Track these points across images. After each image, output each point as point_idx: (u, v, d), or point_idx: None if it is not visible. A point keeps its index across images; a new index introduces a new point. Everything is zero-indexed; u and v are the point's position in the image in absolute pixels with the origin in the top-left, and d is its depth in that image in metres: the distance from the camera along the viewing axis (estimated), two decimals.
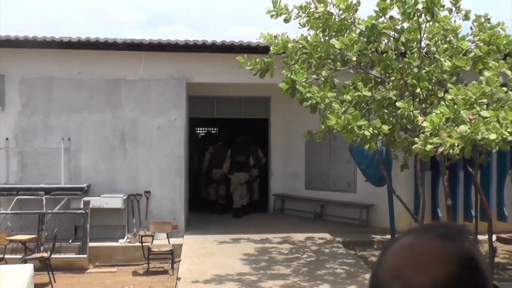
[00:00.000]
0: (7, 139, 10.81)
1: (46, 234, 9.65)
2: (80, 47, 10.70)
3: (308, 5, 8.03)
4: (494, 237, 9.11)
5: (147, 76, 11.08)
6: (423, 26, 8.00)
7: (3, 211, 10.21)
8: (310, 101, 7.62)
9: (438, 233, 0.97)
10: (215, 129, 20.47)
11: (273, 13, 8.10)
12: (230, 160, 14.02)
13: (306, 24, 8.23)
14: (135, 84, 11.08)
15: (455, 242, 0.96)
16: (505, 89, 6.71)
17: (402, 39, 7.63)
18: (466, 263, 0.93)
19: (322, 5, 7.89)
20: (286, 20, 8.17)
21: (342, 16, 7.96)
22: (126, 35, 10.48)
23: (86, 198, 10.32)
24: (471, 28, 8.62)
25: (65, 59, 10.90)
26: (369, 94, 7.84)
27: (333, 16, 8.05)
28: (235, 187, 13.93)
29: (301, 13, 8.10)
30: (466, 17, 8.43)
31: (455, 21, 8.30)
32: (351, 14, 7.94)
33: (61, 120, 10.96)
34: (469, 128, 5.79)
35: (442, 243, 0.95)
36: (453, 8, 8.32)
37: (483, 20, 8.53)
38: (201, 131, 20.79)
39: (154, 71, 11.09)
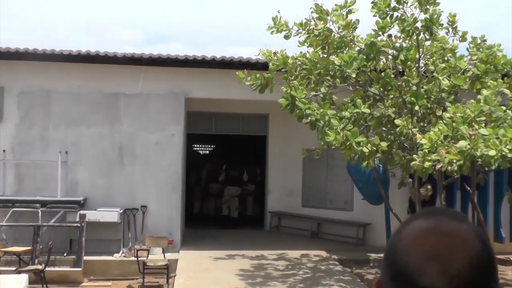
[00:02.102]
0: (4, 151, 10.78)
1: (41, 246, 9.58)
2: (80, 60, 10.74)
3: (308, 22, 8.11)
4: None
5: (146, 91, 11.10)
6: (422, 44, 8.07)
7: None
8: (309, 118, 7.65)
9: (449, 215, 1.02)
10: (212, 146, 20.69)
11: (274, 29, 8.18)
12: (225, 174, 15.21)
13: (306, 42, 8.30)
14: (133, 98, 11.10)
15: (467, 222, 1.01)
16: (503, 108, 6.76)
17: (401, 57, 7.71)
18: (483, 238, 0.99)
19: (322, 22, 7.96)
20: (286, 37, 8.23)
21: (342, 34, 8.03)
22: (124, 52, 10.58)
23: (82, 212, 10.26)
24: (467, 49, 8.72)
25: (65, 73, 10.92)
26: (367, 111, 7.89)
27: (333, 33, 8.12)
28: (226, 200, 14.94)
29: (301, 30, 8.17)
30: (463, 38, 8.53)
31: (453, 40, 8.38)
32: (351, 32, 8.02)
33: (59, 133, 10.95)
34: (468, 144, 5.82)
35: (460, 224, 1.00)
36: (450, 29, 8.41)
37: (479, 41, 8.63)
38: (200, 148, 21.04)
39: (153, 85, 11.12)
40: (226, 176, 15.12)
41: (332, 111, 7.69)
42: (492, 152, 5.60)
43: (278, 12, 8.33)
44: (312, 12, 8.15)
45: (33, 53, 10.46)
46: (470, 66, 8.37)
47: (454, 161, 6.05)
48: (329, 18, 8.10)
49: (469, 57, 8.66)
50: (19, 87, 10.87)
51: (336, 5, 8.06)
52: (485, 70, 7.84)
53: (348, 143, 6.99)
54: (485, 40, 8.71)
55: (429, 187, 10.18)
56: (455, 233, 0.97)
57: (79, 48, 10.69)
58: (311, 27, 8.13)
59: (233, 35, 45.13)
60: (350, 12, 8.02)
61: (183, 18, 42.18)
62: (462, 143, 5.83)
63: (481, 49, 8.40)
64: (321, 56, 8.33)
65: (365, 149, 7.04)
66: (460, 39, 8.60)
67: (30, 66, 10.78)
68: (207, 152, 21.21)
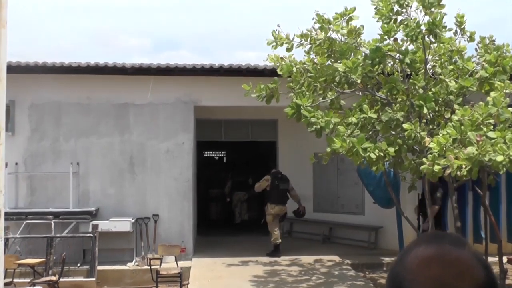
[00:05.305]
0: (16, 163, 10.88)
1: (54, 257, 9.65)
2: (89, 72, 10.82)
3: (309, 32, 8.11)
4: (504, 258, 9.03)
5: (155, 100, 11.16)
6: (428, 47, 8.03)
7: (12, 236, 10.23)
8: (314, 126, 7.65)
9: (451, 241, 1.04)
10: (223, 152, 20.83)
11: (274, 44, 8.19)
12: (231, 181, 16.14)
13: (311, 51, 8.31)
14: (143, 108, 11.17)
15: (470, 249, 1.03)
16: (511, 109, 6.72)
17: (407, 60, 7.68)
18: (486, 264, 1.02)
19: (323, 32, 7.96)
20: (288, 49, 8.25)
21: (346, 41, 8.02)
22: (133, 61, 10.66)
23: (94, 222, 10.33)
24: (476, 50, 8.66)
25: (74, 84, 11.01)
26: (375, 116, 7.87)
27: (337, 41, 8.11)
28: (235, 205, 16.02)
29: (303, 41, 8.18)
30: (471, 39, 8.47)
31: (460, 42, 8.33)
32: (355, 38, 8.00)
33: (70, 145, 11.04)
34: (476, 150, 5.79)
35: (463, 251, 1.02)
36: (458, 30, 8.37)
37: (488, 41, 8.57)
38: (209, 154, 21.16)
39: (162, 95, 11.18)
40: (232, 183, 16.09)
41: (336, 118, 7.67)
42: (499, 158, 5.57)
43: (278, 26, 8.31)
44: (314, 23, 8.15)
45: (43, 66, 10.56)
46: (478, 67, 8.32)
47: (463, 166, 6.02)
48: (330, 27, 8.09)
49: (477, 57, 8.59)
50: (30, 100, 10.98)
51: (336, 13, 8.04)
52: (494, 72, 7.79)
53: (354, 149, 6.97)
54: (494, 40, 8.65)
55: None
56: (459, 261, 0.99)
57: (87, 58, 10.89)
58: (314, 36, 8.12)
59: (240, 40, 45.22)
60: (351, 19, 8.01)
61: (190, 25, 42.36)
62: (470, 150, 5.80)
63: (489, 51, 8.33)
64: (328, 62, 8.32)
65: (372, 155, 7.02)
66: (468, 39, 8.55)
67: (40, 79, 10.89)
68: (211, 158, 21.47)
